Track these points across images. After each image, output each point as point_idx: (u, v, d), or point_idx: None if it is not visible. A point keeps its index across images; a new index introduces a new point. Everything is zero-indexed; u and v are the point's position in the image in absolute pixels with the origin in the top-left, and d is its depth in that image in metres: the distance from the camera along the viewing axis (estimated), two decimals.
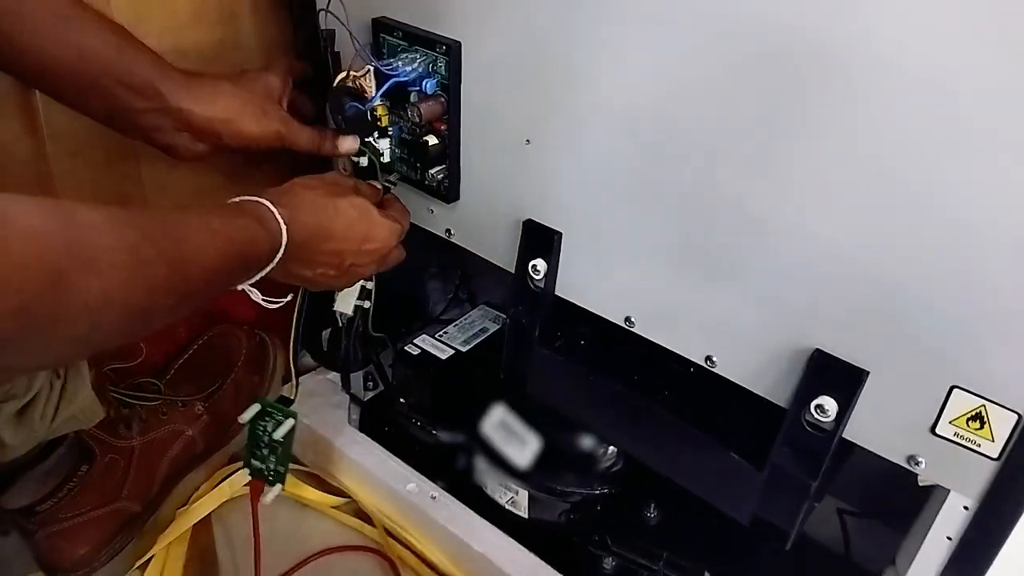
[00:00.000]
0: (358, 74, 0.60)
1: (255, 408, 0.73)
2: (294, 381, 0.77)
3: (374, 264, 0.61)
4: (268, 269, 0.52)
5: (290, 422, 0.70)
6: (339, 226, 0.57)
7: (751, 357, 0.52)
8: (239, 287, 0.52)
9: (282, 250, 0.51)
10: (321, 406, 0.85)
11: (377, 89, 0.60)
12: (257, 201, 0.51)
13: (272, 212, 0.51)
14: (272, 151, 0.64)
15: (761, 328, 0.51)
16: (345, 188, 0.60)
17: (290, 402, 0.76)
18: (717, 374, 0.54)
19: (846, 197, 0.44)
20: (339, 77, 0.60)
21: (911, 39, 0.39)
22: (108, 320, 0.37)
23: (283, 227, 0.51)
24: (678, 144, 0.50)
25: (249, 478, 0.77)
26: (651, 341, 0.57)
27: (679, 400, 0.59)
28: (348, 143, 0.64)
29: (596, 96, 0.52)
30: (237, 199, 0.52)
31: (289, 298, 0.56)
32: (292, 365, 0.77)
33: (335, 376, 0.88)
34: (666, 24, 0.47)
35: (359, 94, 0.61)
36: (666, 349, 0.56)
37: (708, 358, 0.54)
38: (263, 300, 0.53)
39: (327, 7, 0.61)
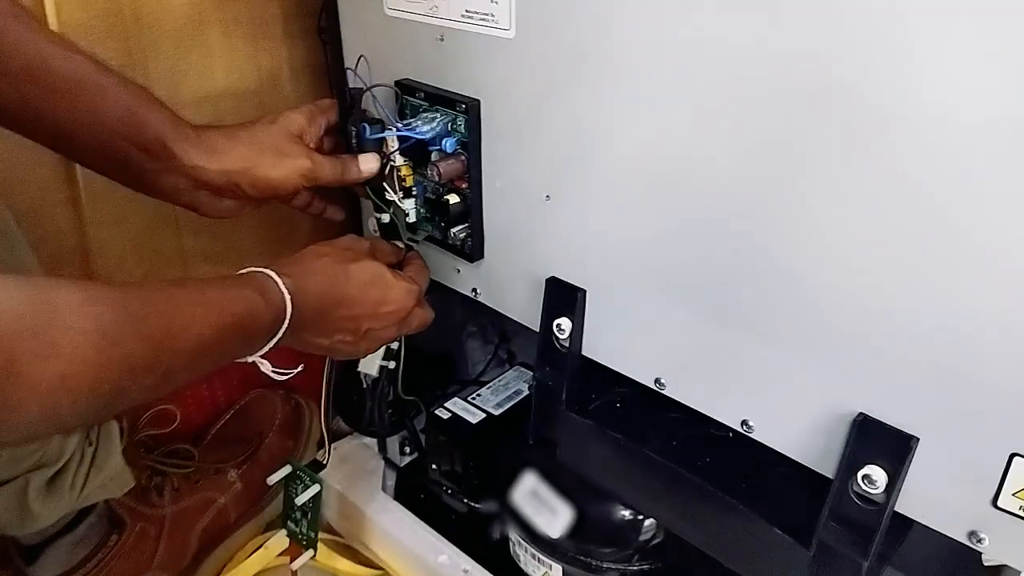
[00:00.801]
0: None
1: (285, 471, 0.72)
2: (327, 446, 0.76)
3: (394, 327, 0.60)
4: (275, 341, 0.50)
5: (316, 487, 0.69)
6: (351, 291, 0.55)
7: (790, 422, 0.48)
8: (249, 359, 0.51)
9: (287, 321, 0.50)
10: (355, 472, 0.83)
11: (399, 147, 0.60)
12: (260, 271, 0.51)
13: (275, 282, 0.50)
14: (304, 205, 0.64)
15: (800, 390, 0.47)
16: (358, 252, 0.59)
17: (321, 467, 0.75)
18: (756, 440, 0.50)
19: (891, 250, 0.40)
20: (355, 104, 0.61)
21: (966, 82, 0.36)
22: (69, 403, 0.36)
23: (287, 296, 0.50)
24: (702, 197, 0.47)
25: (287, 542, 0.76)
26: (686, 404, 0.53)
27: (719, 468, 0.54)
28: (369, 162, 0.61)
29: (612, 149, 0.50)
30: (243, 271, 0.51)
31: (300, 369, 0.55)
32: (324, 430, 0.76)
33: (373, 442, 0.87)
34: (683, 75, 0.45)
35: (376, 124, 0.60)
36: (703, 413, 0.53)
37: (744, 423, 0.50)
38: (272, 372, 0.52)
39: (354, 68, 0.62)
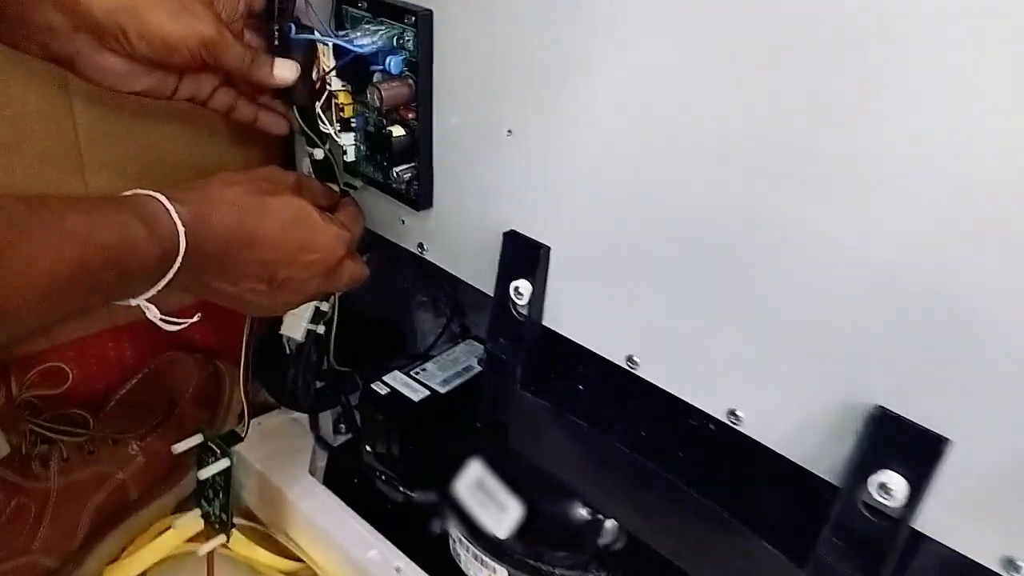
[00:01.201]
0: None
1: (195, 440, 0.62)
2: (246, 418, 0.66)
3: (318, 279, 0.50)
4: (164, 282, 0.41)
5: (225, 462, 0.59)
6: (267, 230, 0.46)
7: (788, 413, 0.39)
8: (131, 302, 0.41)
9: (179, 257, 0.41)
10: (280, 450, 0.73)
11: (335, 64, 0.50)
12: (148, 195, 0.41)
13: (166, 208, 0.41)
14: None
15: (801, 375, 0.38)
16: (281, 185, 0.49)
17: (238, 439, 0.65)
18: (745, 434, 0.41)
19: (917, 196, 0.32)
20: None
21: None
22: None
23: (180, 227, 0.40)
24: (695, 135, 0.38)
25: (200, 524, 0.67)
26: (663, 389, 0.45)
27: (698, 466, 0.46)
28: (285, 69, 0.51)
29: (596, 75, 0.41)
30: (128, 192, 0.41)
31: (196, 319, 0.45)
32: (244, 400, 0.66)
33: (304, 418, 0.77)
34: None
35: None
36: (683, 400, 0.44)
37: (731, 412, 0.41)
38: (160, 320, 0.42)
39: None
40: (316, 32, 0.49)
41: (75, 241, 0.36)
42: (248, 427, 0.66)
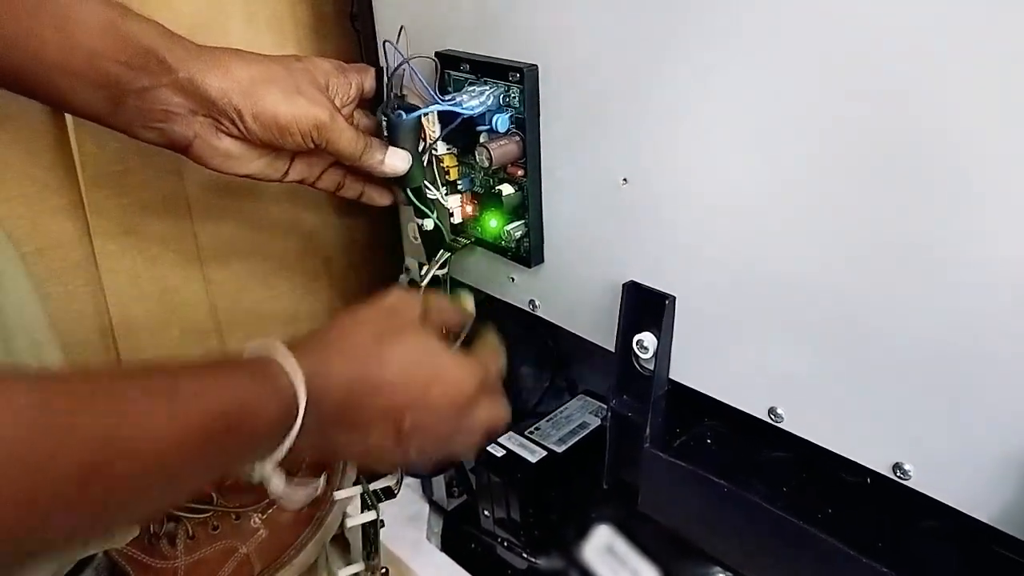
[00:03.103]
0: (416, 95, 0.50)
1: (356, 490, 0.61)
2: (400, 475, 0.64)
3: (449, 420, 0.45)
4: (289, 441, 0.38)
5: (371, 514, 0.58)
6: (391, 374, 0.42)
7: (966, 465, 0.35)
8: (255, 474, 0.40)
9: (300, 412, 0.38)
10: (396, 517, 0.72)
11: (441, 130, 0.50)
12: (267, 346, 0.39)
13: (285, 360, 0.39)
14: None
15: (982, 424, 0.34)
16: (406, 319, 0.45)
17: (391, 495, 0.63)
18: (908, 487, 0.38)
19: None
20: (389, 88, 0.50)
21: None
22: None
23: (299, 381, 0.38)
24: (842, 164, 0.36)
25: None
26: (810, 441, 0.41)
27: (850, 523, 0.42)
28: (397, 159, 0.51)
29: (716, 115, 0.39)
30: (249, 344, 0.40)
31: (322, 485, 0.43)
32: None
33: (416, 483, 0.76)
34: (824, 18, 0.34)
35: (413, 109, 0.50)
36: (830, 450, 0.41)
37: (897, 467, 0.38)
38: (283, 493, 0.40)
39: (395, 41, 0.51)
40: (423, 105, 0.49)
41: (189, 410, 0.34)
42: (401, 484, 0.65)
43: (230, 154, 0.50)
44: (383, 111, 0.51)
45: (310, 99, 0.48)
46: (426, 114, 0.49)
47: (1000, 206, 0.31)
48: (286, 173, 0.53)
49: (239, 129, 0.48)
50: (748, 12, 0.36)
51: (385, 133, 0.51)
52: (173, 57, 0.45)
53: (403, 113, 0.50)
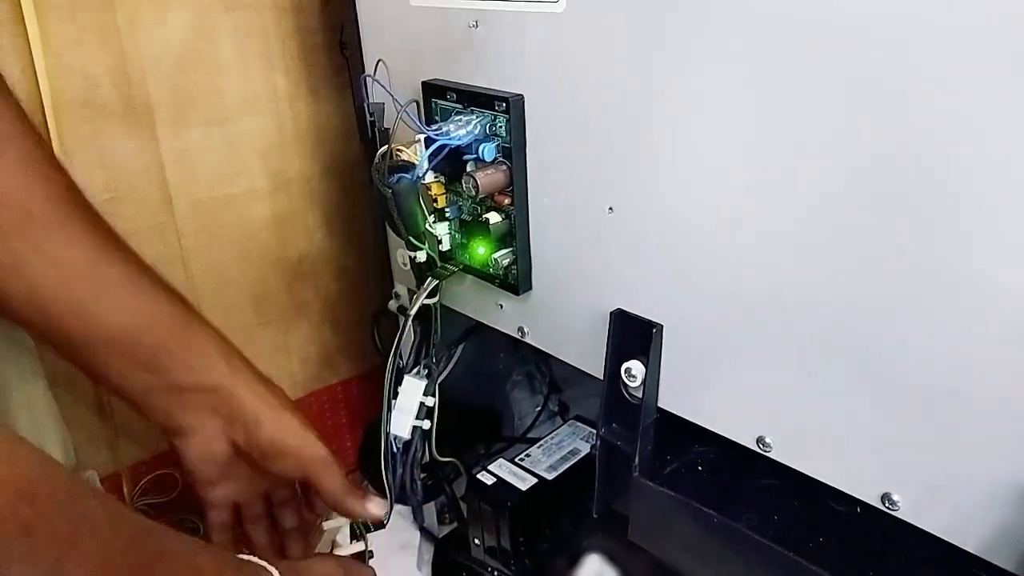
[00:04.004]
0: (404, 147, 0.50)
1: (343, 520, 0.60)
2: (390, 503, 0.63)
3: None
4: None
5: (360, 545, 0.58)
6: None
7: (956, 497, 0.35)
8: None
9: None
10: (387, 545, 0.71)
11: (428, 160, 0.49)
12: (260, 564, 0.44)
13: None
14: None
15: (977, 453, 0.34)
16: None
17: (380, 525, 0.62)
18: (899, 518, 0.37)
19: None
20: (380, 152, 0.50)
21: None
22: None
23: None
24: (830, 198, 0.36)
25: None
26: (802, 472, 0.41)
27: (840, 552, 0.42)
28: (376, 507, 0.55)
29: (698, 142, 0.39)
30: (244, 555, 0.44)
31: None
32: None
33: (407, 510, 0.75)
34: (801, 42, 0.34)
35: (408, 167, 0.50)
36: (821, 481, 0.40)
37: (886, 497, 0.37)
38: None
39: (374, 74, 0.51)
40: (412, 125, 0.48)
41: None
42: (391, 514, 0.64)
43: (216, 460, 0.52)
44: (382, 185, 0.49)
45: (312, 439, 0.53)
46: (423, 175, 0.49)
47: (991, 240, 0.31)
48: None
49: (242, 438, 0.51)
50: (734, 43, 0.36)
51: (392, 206, 0.50)
52: (224, 365, 0.50)
53: (400, 175, 0.49)
